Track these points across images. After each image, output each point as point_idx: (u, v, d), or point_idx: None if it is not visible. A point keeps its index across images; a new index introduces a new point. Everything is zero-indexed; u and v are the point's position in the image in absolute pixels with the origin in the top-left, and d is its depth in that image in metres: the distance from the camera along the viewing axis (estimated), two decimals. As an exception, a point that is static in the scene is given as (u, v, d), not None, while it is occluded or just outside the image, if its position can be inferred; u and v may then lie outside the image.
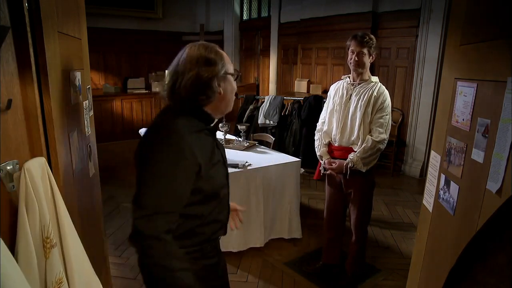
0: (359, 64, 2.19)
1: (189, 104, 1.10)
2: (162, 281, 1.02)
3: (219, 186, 1.17)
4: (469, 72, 1.13)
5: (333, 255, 2.63)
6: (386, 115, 2.21)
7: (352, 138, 2.27)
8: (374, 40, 2.20)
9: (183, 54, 1.11)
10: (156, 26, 7.57)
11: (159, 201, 1.00)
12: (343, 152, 2.30)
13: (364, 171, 2.23)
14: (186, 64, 1.08)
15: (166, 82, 1.13)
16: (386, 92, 2.23)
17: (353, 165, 2.22)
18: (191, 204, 1.09)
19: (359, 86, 2.26)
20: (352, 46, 2.20)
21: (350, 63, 2.23)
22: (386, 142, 2.22)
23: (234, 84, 1.20)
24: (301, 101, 5.11)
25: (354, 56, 2.19)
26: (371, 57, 2.21)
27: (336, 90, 2.38)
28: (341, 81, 2.39)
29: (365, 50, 2.17)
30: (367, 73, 2.26)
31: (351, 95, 2.27)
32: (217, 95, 1.13)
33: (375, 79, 2.27)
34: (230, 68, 1.17)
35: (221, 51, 1.15)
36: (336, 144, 2.36)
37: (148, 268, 1.05)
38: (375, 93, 2.19)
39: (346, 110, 2.29)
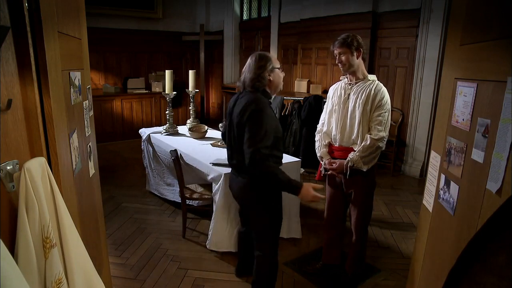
0: (343, 64, 2.23)
1: (254, 88, 1.99)
2: (274, 179, 1.90)
3: (281, 133, 2.06)
4: (469, 72, 1.13)
5: (333, 255, 2.63)
6: (385, 112, 2.20)
7: (352, 138, 2.27)
8: (353, 37, 2.21)
9: (248, 61, 2.04)
10: (156, 26, 7.57)
11: (264, 140, 1.86)
12: (344, 152, 2.30)
13: (365, 170, 2.23)
14: (248, 68, 2.03)
15: (240, 79, 2.07)
16: (384, 89, 2.23)
17: (353, 165, 2.22)
18: (273, 144, 1.93)
19: (356, 85, 2.27)
20: (334, 51, 2.26)
21: (340, 67, 2.29)
22: (385, 140, 2.22)
23: (281, 73, 2.09)
24: (301, 101, 5.11)
25: (336, 58, 2.25)
26: (355, 54, 2.21)
27: (334, 91, 2.40)
28: (339, 82, 2.41)
29: (344, 49, 2.20)
30: (360, 72, 2.27)
31: (349, 94, 2.28)
32: (268, 81, 2.02)
33: (372, 77, 2.27)
34: (277, 64, 2.05)
35: (269, 56, 2.04)
36: (336, 145, 2.36)
37: (265, 175, 1.90)
38: (372, 91, 2.20)
39: (345, 110, 2.29)
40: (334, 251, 2.62)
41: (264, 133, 1.86)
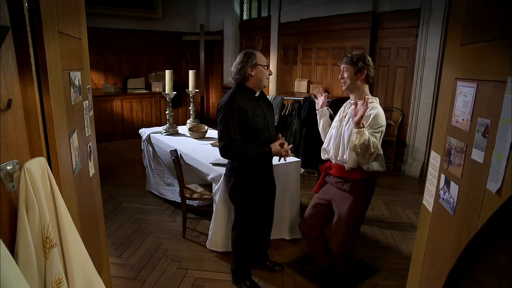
0: (343, 81, 2.23)
1: (236, 81, 2.23)
2: (248, 159, 2.25)
3: (260, 127, 2.24)
4: (469, 72, 1.13)
5: (320, 258, 2.61)
6: (377, 133, 2.13)
7: (344, 157, 2.22)
8: (361, 57, 2.16)
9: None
10: (156, 26, 7.57)
11: (225, 135, 2.16)
12: (339, 170, 2.28)
13: (366, 133, 2.03)
14: (235, 63, 2.20)
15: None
16: (379, 111, 2.15)
17: (363, 126, 2.04)
18: (247, 136, 2.19)
19: (354, 105, 2.21)
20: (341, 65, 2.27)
21: None
22: (378, 149, 2.12)
23: (264, 70, 2.21)
24: (301, 101, 5.11)
25: (340, 73, 2.25)
26: (358, 74, 2.17)
27: (341, 108, 2.38)
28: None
29: (347, 67, 2.19)
30: (360, 93, 2.21)
31: (346, 113, 2.27)
32: (249, 76, 2.18)
33: (371, 99, 2.20)
34: (261, 61, 2.19)
35: (255, 53, 2.19)
36: (333, 162, 2.33)
37: (239, 161, 2.28)
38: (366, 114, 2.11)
39: (340, 128, 2.27)
40: (320, 254, 2.59)
41: (224, 128, 2.16)
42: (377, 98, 2.27)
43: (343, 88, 2.27)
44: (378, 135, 2.14)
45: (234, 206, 2.46)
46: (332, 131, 2.35)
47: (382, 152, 2.17)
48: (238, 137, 2.16)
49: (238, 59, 2.20)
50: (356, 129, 2.04)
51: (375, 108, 2.17)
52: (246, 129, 2.19)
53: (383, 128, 2.17)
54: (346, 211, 2.28)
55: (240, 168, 2.30)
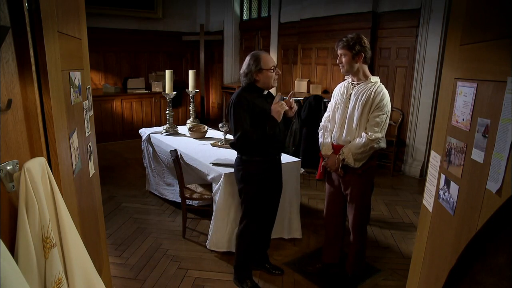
0: (342, 65, 2.26)
1: (244, 84, 2.32)
2: (264, 141, 2.25)
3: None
4: (469, 72, 1.13)
5: (332, 254, 2.63)
6: (383, 114, 2.20)
7: (348, 137, 2.28)
8: (357, 40, 2.19)
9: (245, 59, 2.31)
10: (156, 26, 7.57)
11: (239, 128, 2.21)
12: None
13: (356, 166, 2.23)
14: (242, 67, 2.31)
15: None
16: (385, 91, 2.23)
17: (344, 159, 2.23)
18: (256, 128, 2.23)
19: (358, 85, 2.28)
20: (337, 50, 2.29)
21: None
22: (381, 141, 2.22)
23: (270, 74, 2.26)
24: (301, 101, 5.11)
25: (338, 58, 2.28)
26: (356, 58, 2.21)
27: (339, 89, 2.41)
28: (345, 81, 2.42)
29: (344, 51, 2.22)
30: (362, 74, 2.27)
31: (351, 94, 2.29)
32: (255, 80, 2.27)
33: (375, 79, 2.28)
34: (266, 65, 2.24)
35: (261, 56, 2.25)
36: (335, 143, 2.36)
37: (258, 144, 2.27)
38: (372, 94, 2.20)
39: (346, 110, 2.30)
40: (334, 250, 2.62)
41: (237, 122, 2.21)
42: (378, 77, 2.31)
43: (342, 71, 2.31)
44: (384, 116, 2.20)
45: (241, 199, 2.46)
46: (336, 113, 2.37)
47: (384, 135, 2.23)
48: (249, 127, 2.23)
49: (245, 63, 2.28)
50: (341, 163, 2.25)
51: (382, 89, 2.22)
52: (255, 120, 2.24)
53: (389, 108, 2.23)
54: (354, 193, 2.35)
55: (248, 161, 2.32)
